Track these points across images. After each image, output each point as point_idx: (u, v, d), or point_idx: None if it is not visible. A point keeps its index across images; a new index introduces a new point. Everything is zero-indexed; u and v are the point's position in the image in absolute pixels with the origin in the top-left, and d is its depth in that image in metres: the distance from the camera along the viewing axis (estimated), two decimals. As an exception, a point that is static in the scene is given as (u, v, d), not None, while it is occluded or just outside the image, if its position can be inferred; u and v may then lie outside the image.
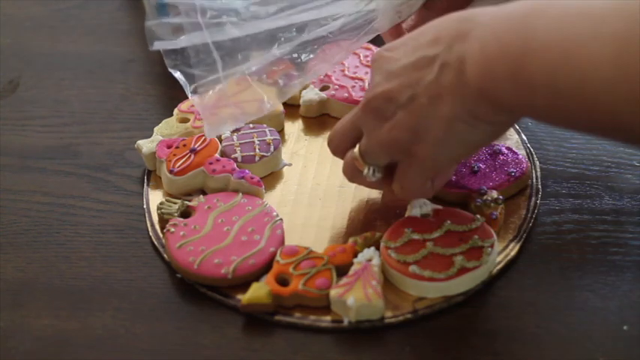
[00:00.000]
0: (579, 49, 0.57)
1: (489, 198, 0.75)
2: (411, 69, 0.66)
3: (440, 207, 0.75)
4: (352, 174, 0.73)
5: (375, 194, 0.78)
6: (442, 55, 0.65)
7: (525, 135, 0.83)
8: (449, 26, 0.65)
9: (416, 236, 0.72)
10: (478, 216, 0.73)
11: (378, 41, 0.90)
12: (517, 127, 0.84)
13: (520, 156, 0.79)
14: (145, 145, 0.81)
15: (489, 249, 0.71)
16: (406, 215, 0.75)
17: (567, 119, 0.62)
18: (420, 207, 0.74)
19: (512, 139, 0.82)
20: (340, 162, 0.81)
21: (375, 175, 0.71)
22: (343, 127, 0.73)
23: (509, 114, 0.65)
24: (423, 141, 0.66)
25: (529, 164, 0.79)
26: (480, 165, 0.78)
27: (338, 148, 0.74)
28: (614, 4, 0.57)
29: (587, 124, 0.61)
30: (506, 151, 0.79)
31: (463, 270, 0.70)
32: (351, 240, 0.73)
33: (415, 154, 0.68)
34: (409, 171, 0.69)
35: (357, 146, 0.71)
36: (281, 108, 0.84)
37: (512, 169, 0.78)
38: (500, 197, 0.75)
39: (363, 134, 0.70)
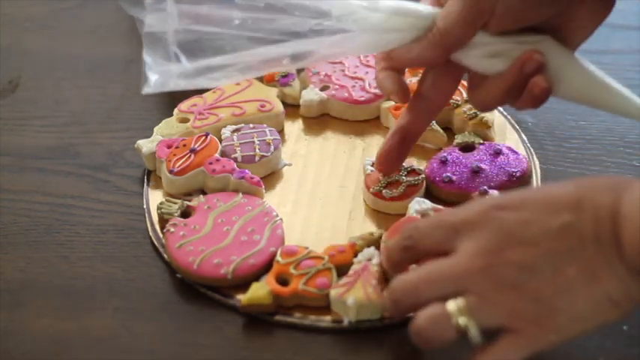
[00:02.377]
0: None
1: (490, 198, 0.75)
2: (556, 236, 0.60)
3: (440, 207, 0.75)
4: (435, 334, 0.63)
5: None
6: (593, 228, 0.60)
7: (525, 135, 0.83)
8: (593, 194, 0.61)
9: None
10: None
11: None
12: (517, 127, 0.84)
13: (520, 156, 0.79)
14: (145, 145, 0.81)
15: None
16: (406, 215, 0.75)
17: None
18: (419, 206, 0.74)
19: (512, 139, 0.82)
20: (340, 162, 0.81)
21: (478, 336, 0.62)
22: (429, 281, 0.63)
23: None
24: (556, 316, 0.61)
25: (530, 164, 0.79)
26: (481, 165, 0.78)
27: (408, 302, 0.64)
28: None
29: None
30: (506, 151, 0.79)
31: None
32: (351, 240, 0.73)
33: (538, 328, 0.61)
34: (517, 347, 0.62)
35: (455, 301, 0.62)
36: (281, 108, 0.84)
37: (513, 169, 0.78)
38: None
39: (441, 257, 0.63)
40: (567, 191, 0.62)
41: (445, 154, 0.79)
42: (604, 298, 0.60)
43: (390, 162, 0.76)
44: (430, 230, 0.65)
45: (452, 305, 0.62)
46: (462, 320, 0.62)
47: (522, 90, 0.69)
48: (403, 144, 0.76)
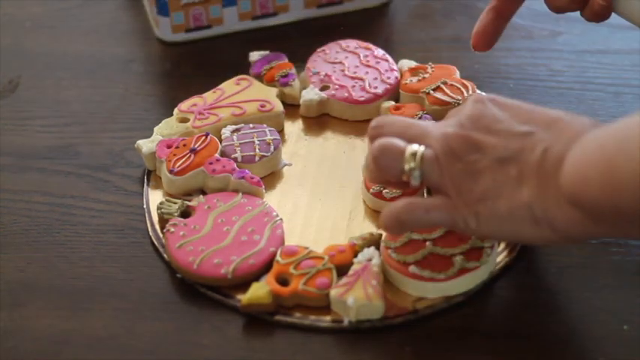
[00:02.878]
0: None
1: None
2: (517, 136, 0.66)
3: None
4: (382, 162, 0.68)
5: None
6: (549, 142, 0.64)
7: (525, 135, 0.83)
8: (569, 120, 0.65)
9: (416, 236, 0.72)
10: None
11: (377, 41, 0.90)
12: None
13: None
14: (145, 145, 0.81)
15: (489, 250, 0.71)
16: None
17: None
18: None
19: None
20: (340, 162, 0.81)
21: (417, 180, 0.67)
22: (404, 126, 0.70)
23: (591, 224, 0.63)
24: (483, 203, 0.65)
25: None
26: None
27: (381, 131, 0.70)
28: None
29: None
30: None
31: (463, 270, 0.70)
32: (350, 240, 0.73)
33: (464, 205, 0.66)
34: (442, 209, 0.67)
35: (415, 147, 0.67)
36: (281, 108, 0.84)
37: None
38: None
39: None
40: (551, 113, 0.67)
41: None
42: (526, 206, 0.64)
43: (485, 39, 0.81)
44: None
45: (410, 148, 0.67)
46: (410, 164, 0.67)
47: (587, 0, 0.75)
48: (497, 21, 0.81)
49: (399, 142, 0.68)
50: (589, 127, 0.64)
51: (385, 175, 0.69)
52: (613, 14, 0.78)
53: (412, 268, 0.70)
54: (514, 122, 0.67)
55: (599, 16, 0.77)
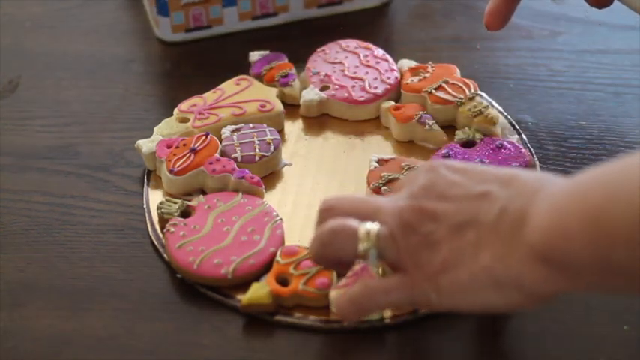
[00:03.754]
0: None
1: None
2: (472, 199, 0.63)
3: None
4: (335, 244, 0.66)
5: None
6: (506, 200, 0.61)
7: (525, 135, 0.83)
8: (527, 176, 0.63)
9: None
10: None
11: (377, 41, 0.90)
12: (517, 127, 0.84)
13: (523, 150, 0.79)
14: (145, 145, 0.81)
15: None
16: None
17: None
18: None
19: (512, 139, 0.82)
20: (340, 162, 0.81)
21: (375, 260, 0.65)
22: (355, 205, 0.67)
23: (565, 280, 0.59)
24: (443, 274, 0.62)
25: (531, 157, 0.79)
26: (484, 159, 0.78)
27: (332, 214, 0.67)
28: None
29: None
30: (508, 146, 0.79)
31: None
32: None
33: (424, 279, 0.63)
34: (402, 289, 0.64)
35: (368, 225, 0.65)
36: (281, 108, 0.84)
37: (515, 163, 0.78)
38: None
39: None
40: (505, 171, 0.64)
41: (447, 151, 0.79)
42: (485, 271, 0.61)
43: (498, 19, 0.82)
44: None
45: (364, 227, 0.65)
46: (364, 245, 0.65)
47: None
48: (510, 1, 0.81)
49: (351, 222, 0.65)
50: (547, 181, 0.61)
51: (338, 257, 0.66)
52: (616, 2, 0.78)
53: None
54: (469, 185, 0.64)
55: (601, 1, 0.79)
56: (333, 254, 0.66)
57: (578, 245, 0.57)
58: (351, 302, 0.66)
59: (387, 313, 0.69)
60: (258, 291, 0.70)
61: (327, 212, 0.67)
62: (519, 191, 0.61)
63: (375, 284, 0.65)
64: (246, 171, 0.78)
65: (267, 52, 0.89)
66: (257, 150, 0.80)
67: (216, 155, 0.79)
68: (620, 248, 0.55)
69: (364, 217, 0.66)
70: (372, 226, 0.65)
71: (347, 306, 0.66)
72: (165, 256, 0.74)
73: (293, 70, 0.87)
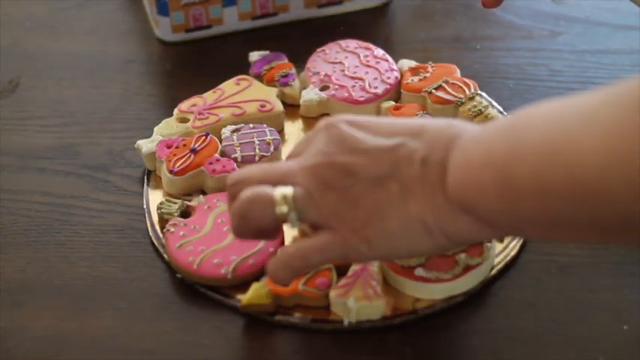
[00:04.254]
0: (567, 143, 0.54)
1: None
2: (387, 151, 0.62)
3: None
4: (252, 214, 0.65)
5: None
6: (425, 151, 0.62)
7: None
8: (436, 126, 0.63)
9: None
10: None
11: (377, 41, 0.90)
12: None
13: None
14: (145, 145, 0.81)
15: (489, 244, 0.71)
16: None
17: (558, 224, 0.57)
18: None
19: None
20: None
21: (296, 222, 0.64)
22: (263, 173, 0.66)
23: (487, 229, 0.61)
24: (371, 227, 0.62)
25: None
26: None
27: (241, 186, 0.66)
28: (602, 98, 0.54)
29: (583, 227, 0.56)
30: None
31: (468, 268, 0.70)
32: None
33: (351, 233, 0.63)
34: (334, 245, 0.63)
35: (282, 190, 0.64)
36: (281, 108, 0.84)
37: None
38: None
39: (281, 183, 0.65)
40: (412, 122, 0.64)
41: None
42: (417, 220, 0.61)
43: None
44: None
45: (278, 192, 0.64)
46: (282, 209, 0.64)
47: None
48: None
49: (265, 189, 0.64)
50: (459, 130, 0.62)
51: (257, 226, 0.65)
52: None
53: (419, 271, 0.70)
54: (379, 138, 0.63)
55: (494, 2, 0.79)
56: (254, 224, 0.65)
57: (490, 198, 0.59)
58: (286, 265, 0.65)
59: (387, 313, 0.69)
60: (258, 291, 0.70)
61: (236, 186, 0.66)
62: (434, 142, 0.62)
63: (307, 244, 0.65)
64: (246, 171, 0.78)
65: (267, 52, 0.89)
66: (257, 150, 0.80)
67: (216, 155, 0.79)
68: (526, 200, 0.57)
69: (276, 182, 0.65)
70: (287, 190, 0.64)
71: (282, 270, 0.65)
72: (165, 256, 0.74)
73: (293, 70, 0.87)
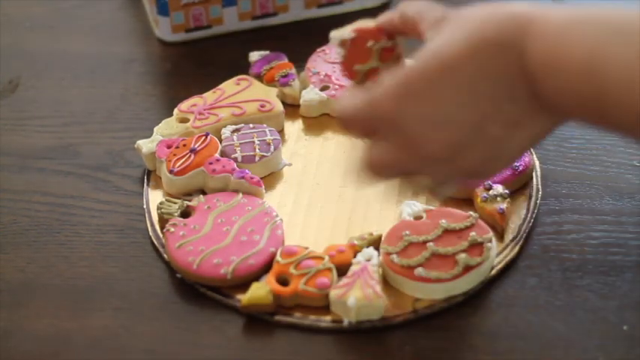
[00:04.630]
0: (600, 55, 0.56)
1: (495, 192, 0.75)
2: (469, 108, 0.60)
3: (431, 207, 0.75)
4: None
5: (375, 194, 0.77)
6: (500, 79, 0.59)
7: (525, 135, 0.83)
8: (496, 28, 0.59)
9: (414, 239, 0.72)
10: (472, 213, 0.73)
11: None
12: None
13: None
14: (145, 145, 0.81)
15: (489, 244, 0.71)
16: (400, 219, 0.74)
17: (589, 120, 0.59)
18: (410, 209, 0.74)
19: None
20: (340, 162, 0.81)
21: (449, 188, 0.68)
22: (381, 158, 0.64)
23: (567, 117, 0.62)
24: (499, 160, 0.63)
25: (531, 157, 0.79)
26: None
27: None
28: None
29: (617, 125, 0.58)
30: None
31: (468, 268, 0.70)
32: (350, 240, 0.73)
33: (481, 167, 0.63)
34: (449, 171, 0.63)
35: (419, 181, 0.65)
36: (281, 108, 0.84)
37: (516, 164, 0.77)
38: (507, 191, 0.75)
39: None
40: (460, 49, 0.60)
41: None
42: (530, 140, 0.62)
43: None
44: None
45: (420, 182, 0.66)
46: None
47: None
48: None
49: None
50: (514, 24, 0.59)
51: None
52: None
53: (419, 271, 0.70)
54: (449, 93, 0.60)
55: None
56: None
57: (575, 80, 0.57)
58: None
59: (388, 313, 0.69)
60: (258, 291, 0.70)
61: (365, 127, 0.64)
62: (497, 61, 0.59)
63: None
64: (246, 171, 0.78)
65: (267, 52, 0.89)
66: (257, 150, 0.80)
67: (216, 155, 0.79)
68: (612, 89, 0.56)
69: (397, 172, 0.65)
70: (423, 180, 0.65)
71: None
72: (165, 256, 0.74)
73: (293, 70, 0.87)
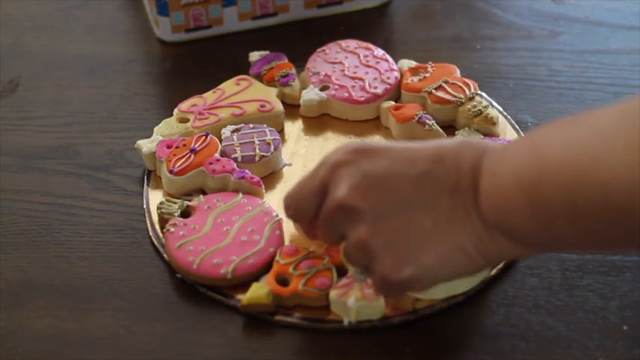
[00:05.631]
0: (594, 166, 0.57)
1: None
2: (413, 183, 0.63)
3: None
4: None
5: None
6: (451, 182, 0.62)
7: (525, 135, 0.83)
8: (453, 149, 0.64)
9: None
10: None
11: (377, 41, 0.90)
12: (517, 127, 0.84)
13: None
14: (145, 145, 0.81)
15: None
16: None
17: (591, 240, 0.60)
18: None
19: (512, 139, 0.82)
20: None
21: (362, 277, 0.68)
22: (304, 199, 0.68)
23: (525, 247, 0.63)
24: (409, 264, 0.63)
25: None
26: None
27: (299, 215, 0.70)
28: (618, 119, 0.57)
29: (616, 239, 0.59)
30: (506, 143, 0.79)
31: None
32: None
33: (392, 272, 0.64)
34: (375, 282, 0.66)
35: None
36: (281, 108, 0.84)
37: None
38: None
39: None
40: (428, 147, 0.65)
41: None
42: (456, 248, 0.63)
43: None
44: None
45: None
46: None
47: None
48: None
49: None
50: (478, 149, 0.63)
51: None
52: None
53: None
54: (403, 166, 0.64)
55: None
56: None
57: (525, 221, 0.60)
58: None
59: (387, 313, 0.69)
60: (258, 291, 0.70)
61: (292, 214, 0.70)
62: (458, 168, 0.63)
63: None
64: (246, 171, 0.78)
65: (267, 52, 0.89)
66: (257, 150, 0.80)
67: (216, 155, 0.79)
68: (559, 220, 0.59)
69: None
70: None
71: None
72: (165, 256, 0.74)
73: (293, 70, 0.87)
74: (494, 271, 0.72)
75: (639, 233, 0.57)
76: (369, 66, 0.87)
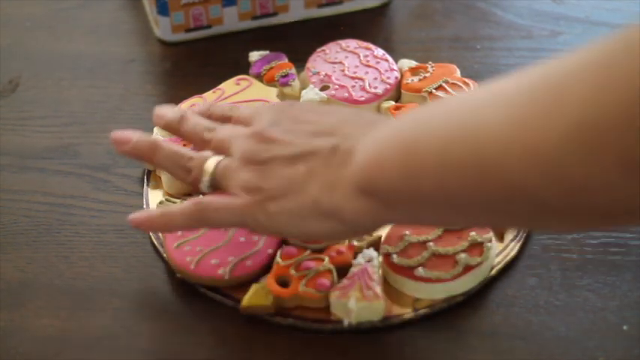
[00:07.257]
0: (473, 117, 0.56)
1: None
2: (312, 135, 0.66)
3: None
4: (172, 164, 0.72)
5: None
6: (337, 141, 0.64)
7: (525, 135, 0.83)
8: (364, 119, 0.66)
9: (414, 239, 0.72)
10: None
11: (377, 41, 0.90)
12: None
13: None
14: (145, 145, 0.80)
15: (489, 244, 0.71)
16: None
17: (455, 204, 0.58)
18: None
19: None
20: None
21: (207, 188, 0.69)
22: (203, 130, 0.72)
23: (383, 212, 0.62)
24: (274, 201, 0.65)
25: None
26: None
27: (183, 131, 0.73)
28: (513, 80, 0.57)
29: (478, 207, 0.58)
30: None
31: (468, 268, 0.70)
32: (350, 241, 0.73)
33: (255, 204, 0.66)
34: (234, 207, 0.67)
35: (212, 159, 0.70)
36: (281, 108, 0.84)
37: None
38: None
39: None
40: (354, 112, 0.69)
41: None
42: (312, 201, 0.64)
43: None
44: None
45: (210, 162, 0.69)
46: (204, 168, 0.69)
47: None
48: None
49: (195, 158, 0.71)
50: (380, 121, 0.65)
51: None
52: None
53: (419, 271, 0.70)
54: (317, 123, 0.67)
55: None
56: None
57: (393, 175, 0.60)
58: (182, 213, 0.69)
59: (387, 314, 0.69)
60: (259, 292, 0.70)
61: (179, 127, 0.74)
62: (354, 130, 0.65)
63: (209, 200, 0.68)
64: (246, 171, 0.78)
65: (267, 52, 0.89)
66: (257, 150, 0.80)
67: (216, 155, 0.79)
68: (428, 176, 0.58)
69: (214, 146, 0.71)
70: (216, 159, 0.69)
71: (178, 215, 0.69)
72: (164, 255, 0.74)
73: (293, 70, 0.87)
74: (494, 271, 0.72)
75: (505, 195, 0.55)
76: (369, 66, 0.87)
